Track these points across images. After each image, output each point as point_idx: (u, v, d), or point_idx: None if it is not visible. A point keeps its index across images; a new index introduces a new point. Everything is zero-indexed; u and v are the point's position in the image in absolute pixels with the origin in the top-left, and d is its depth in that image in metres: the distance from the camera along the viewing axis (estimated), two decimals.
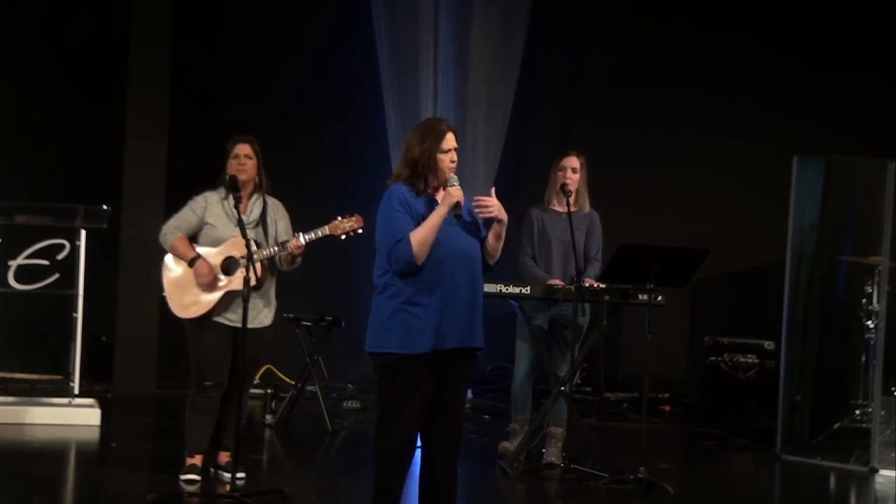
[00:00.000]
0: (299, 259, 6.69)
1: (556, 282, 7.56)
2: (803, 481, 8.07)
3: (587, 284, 7.45)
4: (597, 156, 8.32)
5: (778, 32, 10.90)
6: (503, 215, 5.33)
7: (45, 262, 9.15)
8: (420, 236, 5.19)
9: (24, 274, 9.16)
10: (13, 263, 9.12)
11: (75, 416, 8.42)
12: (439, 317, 5.21)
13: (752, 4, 10.98)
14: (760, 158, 10.66)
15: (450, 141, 5.34)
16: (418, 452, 5.39)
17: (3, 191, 9.21)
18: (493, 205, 5.31)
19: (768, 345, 9.72)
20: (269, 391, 9.01)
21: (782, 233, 8.84)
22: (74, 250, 8.65)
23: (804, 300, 8.75)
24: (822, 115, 10.66)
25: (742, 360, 9.78)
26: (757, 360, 9.77)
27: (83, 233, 8.55)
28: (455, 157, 5.35)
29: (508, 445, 7.77)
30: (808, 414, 8.76)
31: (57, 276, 9.10)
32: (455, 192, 5.27)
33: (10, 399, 8.71)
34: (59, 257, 9.03)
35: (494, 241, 5.38)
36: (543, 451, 7.73)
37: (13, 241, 8.99)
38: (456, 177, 5.32)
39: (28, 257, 9.16)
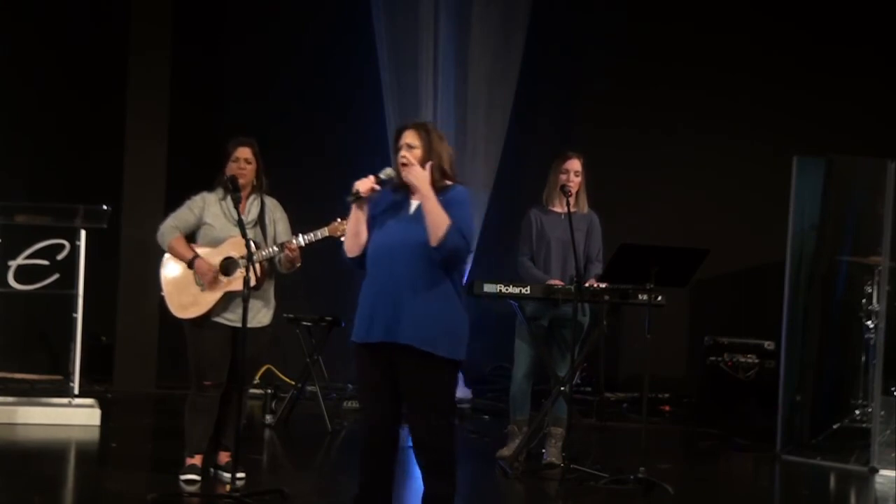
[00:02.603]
0: (298, 264, 6.69)
1: (556, 282, 7.56)
2: (803, 481, 8.07)
3: (589, 285, 7.45)
4: (597, 156, 8.31)
5: (778, 32, 10.90)
6: (418, 181, 5.30)
7: (45, 262, 9.15)
8: (347, 232, 5.47)
9: (24, 274, 9.16)
10: (13, 263, 9.12)
11: (75, 417, 8.42)
12: (371, 308, 5.33)
13: (752, 4, 10.97)
14: (760, 158, 10.66)
15: (402, 139, 5.45)
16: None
17: (3, 191, 9.20)
18: (409, 163, 5.37)
19: (768, 345, 9.72)
20: (269, 391, 9.01)
21: (782, 233, 8.84)
22: (74, 250, 8.65)
23: (804, 300, 8.75)
24: (822, 115, 10.66)
25: (742, 360, 9.78)
26: (757, 360, 9.77)
27: (83, 233, 8.55)
28: (405, 153, 5.42)
29: (506, 451, 7.75)
30: (808, 414, 8.76)
31: (57, 276, 9.10)
32: (356, 183, 5.40)
33: (10, 399, 8.70)
34: (59, 257, 9.03)
35: (426, 217, 5.30)
36: (543, 451, 7.73)
37: (13, 241, 8.99)
38: (386, 169, 5.47)
39: (28, 257, 9.16)
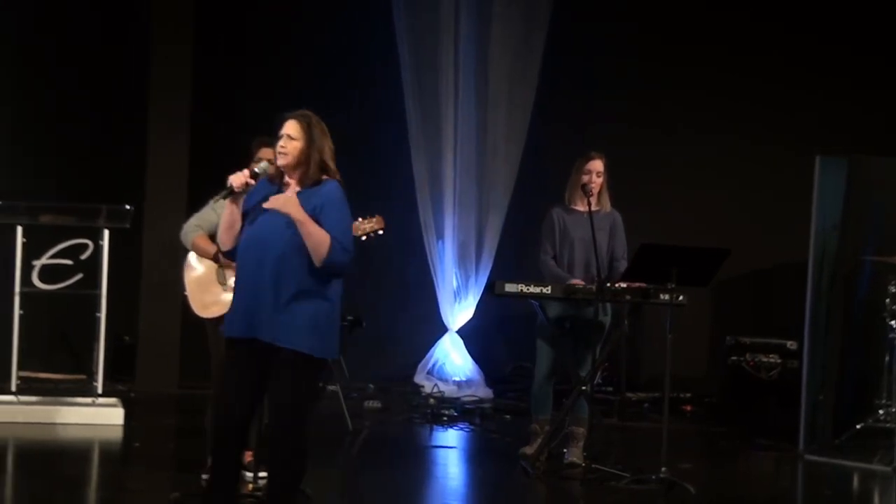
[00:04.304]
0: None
1: (577, 282, 7.55)
2: (826, 481, 8.04)
3: (617, 285, 7.43)
4: (618, 155, 8.29)
5: (802, 39, 10.86)
6: (287, 209, 5.23)
7: (69, 262, 9.19)
8: (221, 225, 5.44)
9: (47, 274, 9.19)
10: (37, 263, 9.16)
11: (98, 416, 8.46)
12: (234, 304, 5.35)
13: (775, 10, 10.93)
14: (783, 159, 10.63)
15: (283, 128, 5.40)
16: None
17: (28, 191, 9.25)
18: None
19: (791, 345, 9.67)
20: None
21: (805, 233, 8.81)
22: (98, 250, 8.69)
23: (827, 300, 8.72)
24: (845, 117, 10.62)
25: (764, 359, 9.74)
26: (779, 360, 9.73)
27: (106, 232, 8.60)
28: (282, 143, 5.37)
29: (529, 450, 7.75)
30: (830, 414, 8.72)
31: (80, 275, 9.14)
32: (230, 177, 5.36)
33: (34, 399, 8.74)
34: (83, 257, 9.07)
35: (304, 240, 5.25)
36: (565, 450, 7.73)
37: (37, 241, 9.02)
38: (262, 163, 5.44)
39: (52, 257, 9.20)
